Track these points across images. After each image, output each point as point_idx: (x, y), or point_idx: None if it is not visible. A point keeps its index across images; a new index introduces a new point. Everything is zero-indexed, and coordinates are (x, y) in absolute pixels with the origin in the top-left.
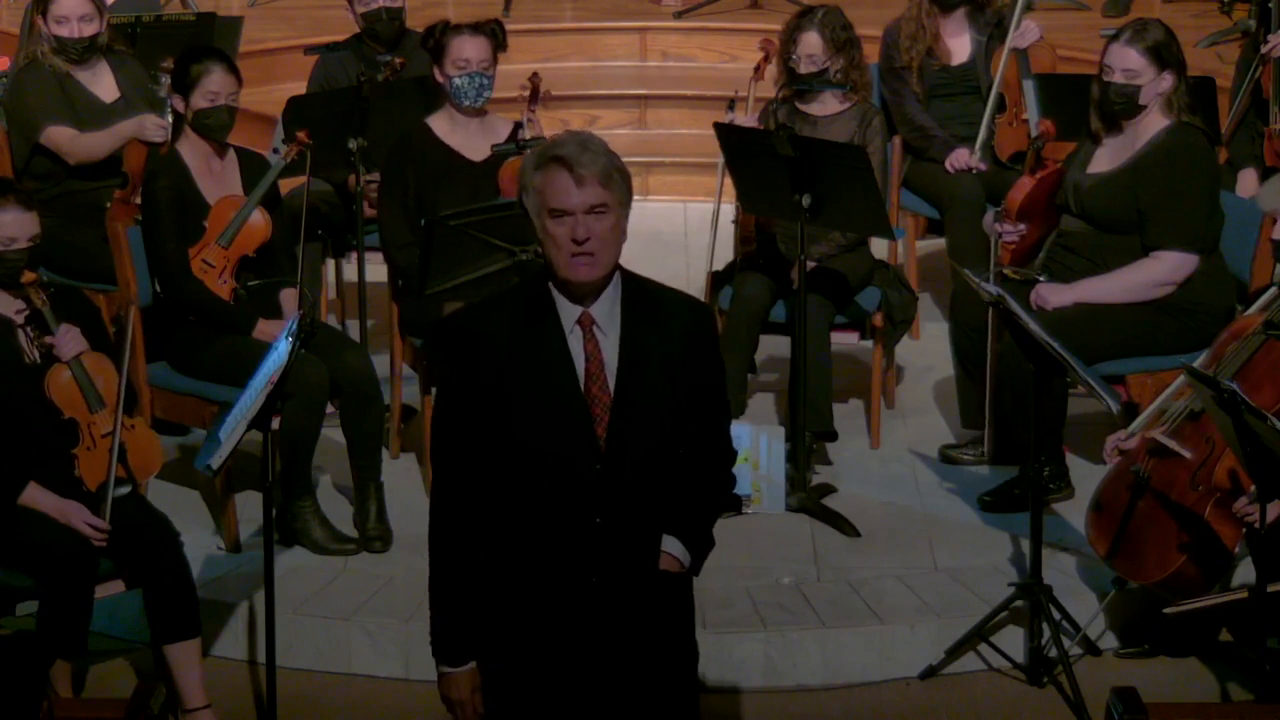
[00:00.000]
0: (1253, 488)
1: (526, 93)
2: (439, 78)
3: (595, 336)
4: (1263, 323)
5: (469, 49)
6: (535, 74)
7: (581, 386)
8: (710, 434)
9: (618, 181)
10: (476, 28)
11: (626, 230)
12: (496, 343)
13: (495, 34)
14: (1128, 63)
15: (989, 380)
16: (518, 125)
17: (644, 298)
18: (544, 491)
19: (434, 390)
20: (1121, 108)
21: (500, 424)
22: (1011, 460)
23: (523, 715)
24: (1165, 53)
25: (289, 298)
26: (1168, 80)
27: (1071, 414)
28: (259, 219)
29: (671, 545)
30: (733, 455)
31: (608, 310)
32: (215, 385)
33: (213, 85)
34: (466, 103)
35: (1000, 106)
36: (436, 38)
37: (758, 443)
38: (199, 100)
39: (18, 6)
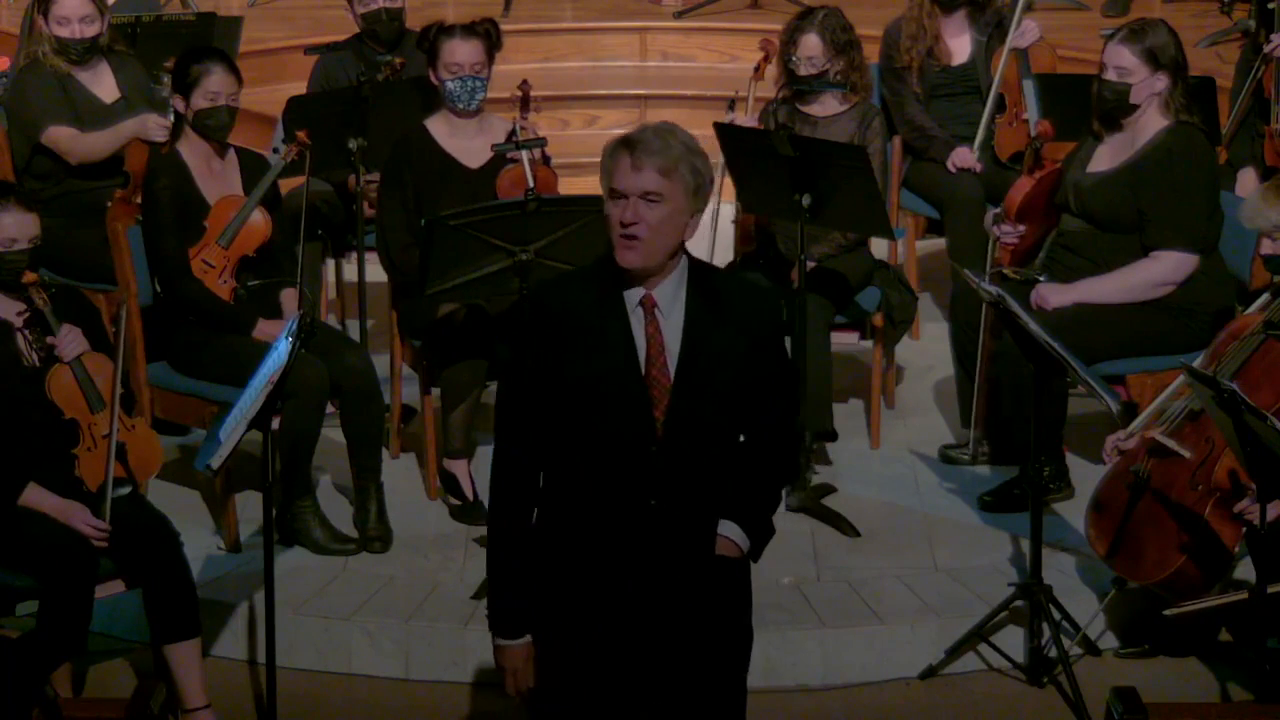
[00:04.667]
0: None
1: (517, 102)
2: (434, 80)
3: (657, 319)
4: (1262, 323)
5: (460, 52)
6: (525, 81)
7: (642, 369)
8: (772, 422)
9: (684, 177)
10: (469, 29)
11: (690, 228)
12: (563, 318)
13: (489, 35)
14: (1120, 61)
15: (978, 379)
16: (515, 128)
17: (710, 284)
18: (600, 470)
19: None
20: (1113, 105)
21: (560, 400)
22: (1011, 460)
23: (570, 690)
24: (1160, 54)
25: (289, 298)
26: (1162, 81)
27: (1071, 414)
28: (259, 219)
29: (730, 530)
30: (796, 442)
31: (671, 294)
32: (215, 385)
33: (213, 85)
34: (460, 106)
35: (1000, 106)
36: (430, 39)
37: None
38: (199, 100)
39: (18, 6)
